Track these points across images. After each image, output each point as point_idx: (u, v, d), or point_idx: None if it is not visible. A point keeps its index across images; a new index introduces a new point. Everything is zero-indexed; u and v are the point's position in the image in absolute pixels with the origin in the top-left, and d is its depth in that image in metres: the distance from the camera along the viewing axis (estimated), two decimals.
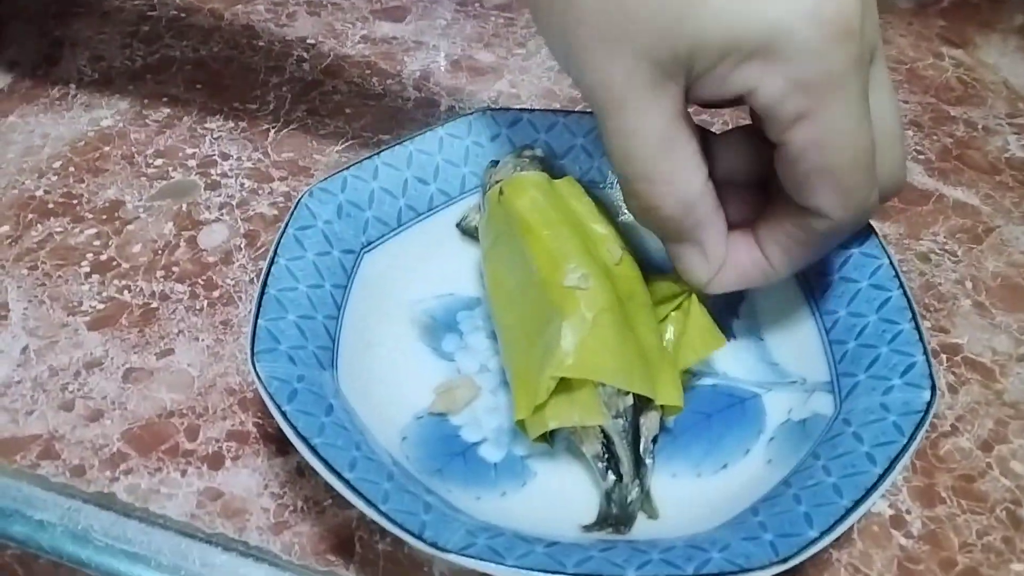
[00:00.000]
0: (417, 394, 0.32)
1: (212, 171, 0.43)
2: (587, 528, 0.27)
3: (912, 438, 0.26)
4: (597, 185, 0.37)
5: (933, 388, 0.27)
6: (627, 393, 0.28)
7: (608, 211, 0.33)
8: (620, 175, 0.28)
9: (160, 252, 0.39)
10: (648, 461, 0.28)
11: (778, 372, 0.32)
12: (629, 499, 0.27)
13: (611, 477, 0.28)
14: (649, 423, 0.29)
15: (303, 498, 0.31)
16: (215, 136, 0.45)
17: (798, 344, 0.32)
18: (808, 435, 0.29)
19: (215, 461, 0.32)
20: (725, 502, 0.28)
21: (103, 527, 0.30)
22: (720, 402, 0.32)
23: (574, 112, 0.38)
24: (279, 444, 0.32)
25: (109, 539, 0.30)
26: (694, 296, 0.31)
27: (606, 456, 0.28)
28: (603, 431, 0.28)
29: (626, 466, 0.28)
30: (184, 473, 0.31)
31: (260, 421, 0.33)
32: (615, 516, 0.27)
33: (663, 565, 0.24)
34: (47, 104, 0.46)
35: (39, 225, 0.40)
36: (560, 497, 0.29)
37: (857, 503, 0.25)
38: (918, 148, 0.45)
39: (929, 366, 0.28)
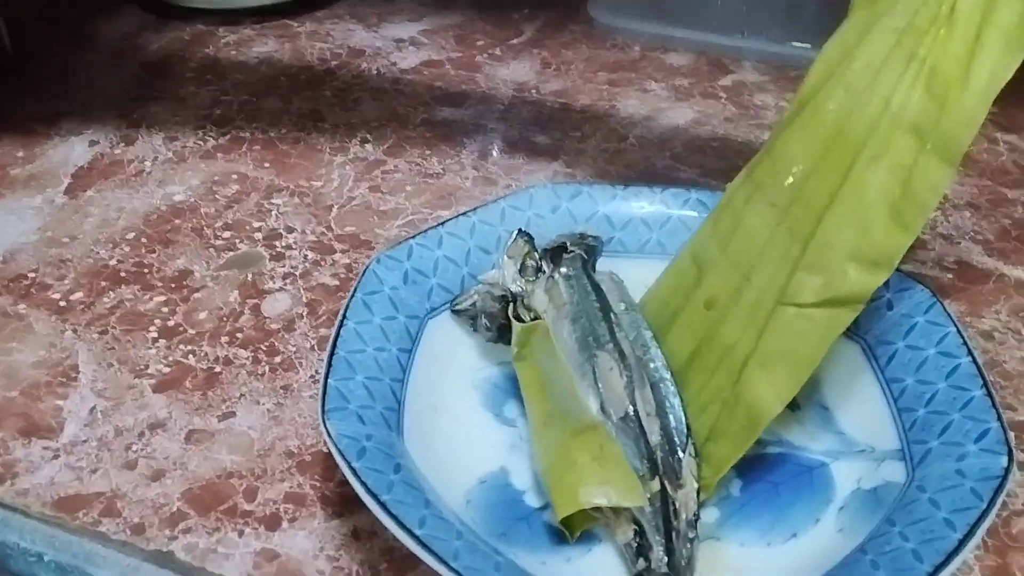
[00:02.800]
0: (481, 458, 0.32)
1: (277, 243, 0.44)
2: None
3: (991, 503, 0.25)
4: (655, 256, 0.37)
5: (1010, 454, 0.27)
6: (653, 478, 0.28)
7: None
8: None
9: (225, 319, 0.40)
10: (691, 535, 0.28)
11: (845, 441, 0.32)
12: None
13: (641, 563, 0.27)
14: (684, 501, 0.28)
15: (359, 562, 0.30)
16: (281, 211, 0.46)
17: (864, 412, 0.32)
18: (880, 503, 0.28)
19: (272, 522, 0.31)
20: (797, 572, 0.27)
21: None
22: (787, 471, 0.31)
23: (633, 185, 0.39)
24: (336, 507, 0.32)
25: None
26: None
27: (637, 543, 0.28)
28: (634, 518, 0.28)
29: (656, 552, 0.27)
30: (241, 534, 0.31)
31: (318, 483, 0.33)
32: None
33: None
34: (123, 180, 0.48)
35: (111, 292, 0.41)
36: (622, 564, 0.28)
37: (938, 567, 0.24)
38: (976, 229, 0.45)
39: (1004, 432, 0.27)
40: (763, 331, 0.29)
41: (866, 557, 0.26)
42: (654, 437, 0.29)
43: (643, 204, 0.38)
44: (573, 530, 0.29)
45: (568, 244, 0.35)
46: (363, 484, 0.26)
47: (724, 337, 0.30)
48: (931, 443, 0.29)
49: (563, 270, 0.34)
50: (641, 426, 0.29)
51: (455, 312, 0.35)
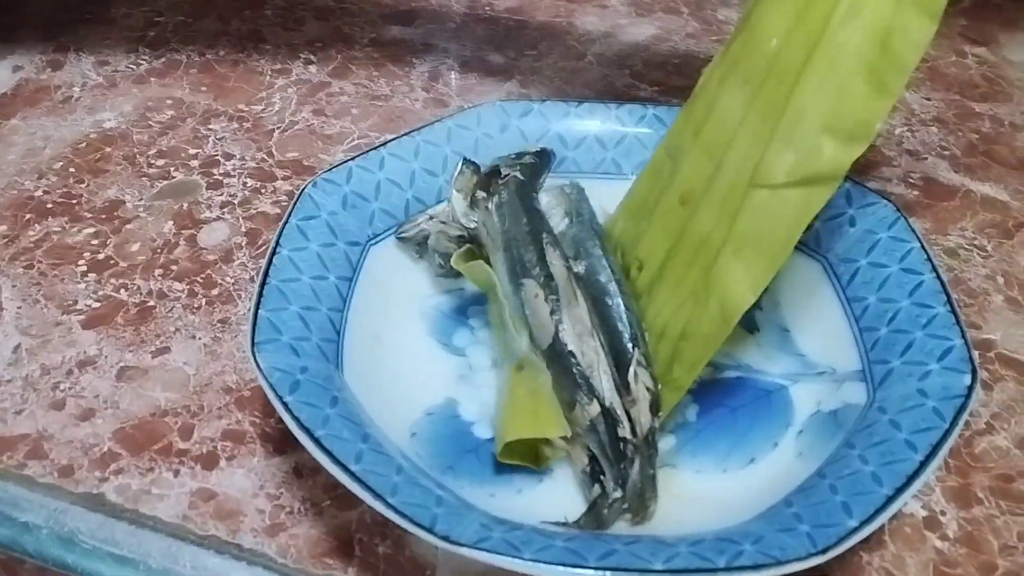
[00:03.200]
0: (428, 390, 0.30)
1: (215, 171, 0.42)
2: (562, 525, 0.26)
3: (954, 423, 0.24)
4: (610, 175, 0.35)
5: (974, 372, 0.26)
6: (591, 401, 0.27)
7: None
8: None
9: (159, 251, 0.38)
10: (649, 452, 0.27)
11: (805, 363, 0.31)
12: (606, 510, 0.26)
13: (595, 489, 0.26)
14: (637, 417, 0.27)
15: (300, 499, 0.29)
16: (219, 137, 0.44)
17: (825, 333, 0.31)
18: (840, 426, 0.27)
19: (209, 461, 0.30)
20: (754, 497, 0.26)
21: (90, 529, 0.28)
22: (745, 395, 0.30)
23: (587, 102, 0.37)
24: (276, 444, 0.31)
25: (96, 542, 0.28)
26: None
27: (590, 469, 0.27)
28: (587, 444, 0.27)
29: (608, 476, 0.26)
30: (177, 473, 0.30)
31: (257, 420, 0.31)
32: (591, 523, 0.26)
33: (692, 558, 0.22)
34: (50, 107, 0.45)
35: (36, 225, 0.39)
36: (576, 494, 0.27)
37: (899, 491, 0.23)
38: (943, 144, 0.44)
39: (968, 349, 0.26)
40: (735, 217, 0.27)
41: (824, 481, 0.25)
42: (589, 356, 0.27)
43: (597, 121, 0.36)
44: (538, 463, 0.28)
45: (502, 167, 0.33)
46: (295, 419, 0.24)
47: (698, 229, 0.28)
48: (893, 363, 0.28)
49: (495, 198, 0.32)
50: (569, 351, 0.28)
51: (401, 239, 0.34)
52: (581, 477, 0.27)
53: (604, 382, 0.27)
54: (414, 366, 0.31)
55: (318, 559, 0.27)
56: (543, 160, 0.34)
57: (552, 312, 0.28)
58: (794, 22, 0.27)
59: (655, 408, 0.27)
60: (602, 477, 0.27)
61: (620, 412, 0.27)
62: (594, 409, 0.26)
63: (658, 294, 0.30)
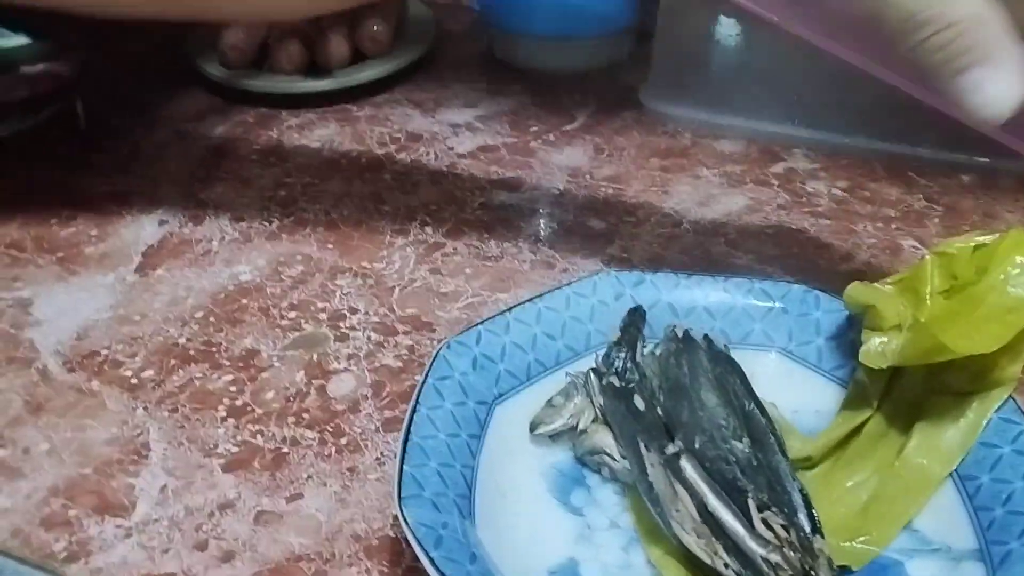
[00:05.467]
0: (549, 548, 0.32)
1: (341, 324, 0.45)
2: None
3: None
4: (720, 345, 0.37)
5: None
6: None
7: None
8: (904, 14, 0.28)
9: (291, 399, 0.40)
10: None
11: (919, 539, 0.31)
12: None
13: None
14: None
15: None
16: (344, 292, 0.47)
17: (939, 511, 0.31)
18: None
19: None
20: None
21: None
22: (862, 571, 0.31)
23: (696, 274, 0.39)
24: None
25: None
26: None
27: None
28: None
29: None
30: None
31: (386, 569, 0.33)
32: None
33: None
34: (192, 259, 0.50)
35: (180, 371, 0.42)
36: None
37: None
38: None
39: None
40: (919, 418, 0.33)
41: None
42: (705, 544, 0.29)
43: (706, 292, 0.39)
44: None
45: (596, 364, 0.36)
46: (442, 574, 0.26)
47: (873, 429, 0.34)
48: (1011, 544, 0.28)
49: (598, 399, 0.35)
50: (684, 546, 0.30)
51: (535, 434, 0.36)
52: None
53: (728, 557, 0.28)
54: (536, 523, 0.33)
55: None
56: (631, 339, 0.36)
57: (659, 514, 0.30)
58: None
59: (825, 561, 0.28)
60: None
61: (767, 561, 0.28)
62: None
63: (830, 476, 0.33)
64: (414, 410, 0.32)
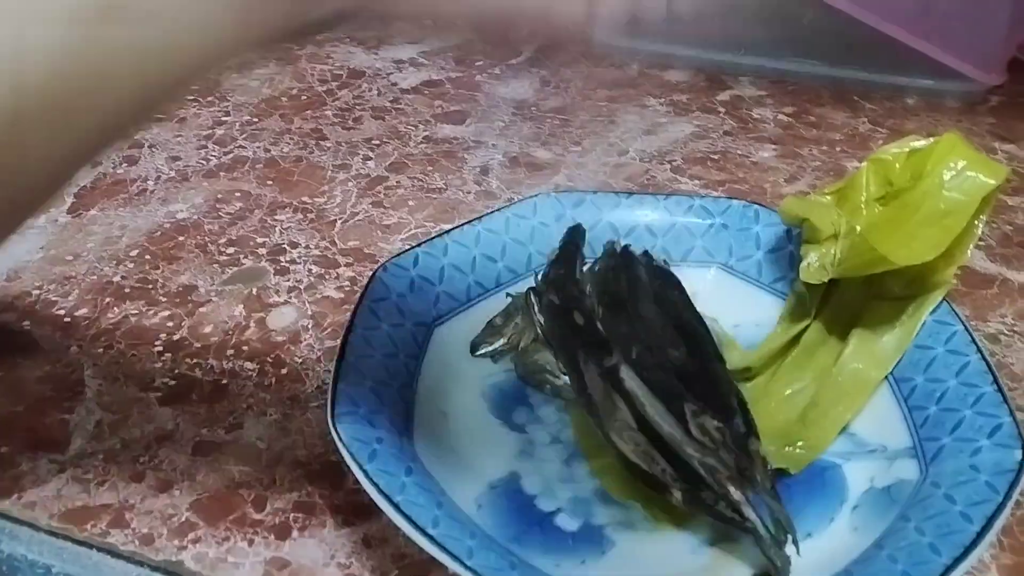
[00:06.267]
0: (491, 464, 0.31)
1: (281, 258, 0.44)
2: None
3: (1008, 496, 0.25)
4: (659, 261, 0.37)
5: None
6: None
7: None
8: None
9: (231, 332, 0.40)
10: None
11: (856, 441, 0.32)
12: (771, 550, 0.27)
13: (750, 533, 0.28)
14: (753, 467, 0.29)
15: (370, 569, 0.30)
16: (285, 227, 0.46)
17: (875, 413, 0.32)
18: (894, 501, 0.28)
19: (282, 531, 0.31)
20: (818, 567, 0.27)
21: None
22: (799, 474, 0.31)
23: (635, 193, 0.39)
24: (346, 515, 0.32)
25: None
26: None
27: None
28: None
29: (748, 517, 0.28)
30: (251, 543, 0.31)
31: (327, 493, 0.33)
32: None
33: None
34: (126, 199, 0.49)
35: (115, 308, 0.41)
36: (640, 565, 0.28)
37: (957, 560, 0.24)
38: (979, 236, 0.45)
39: (1017, 427, 0.27)
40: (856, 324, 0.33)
41: (883, 552, 0.26)
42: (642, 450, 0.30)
43: (647, 211, 0.38)
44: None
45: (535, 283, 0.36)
46: (375, 485, 0.26)
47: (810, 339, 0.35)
48: (943, 440, 0.29)
49: (539, 318, 0.34)
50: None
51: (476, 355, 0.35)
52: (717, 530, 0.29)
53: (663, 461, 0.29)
54: (477, 441, 0.32)
55: None
56: (570, 257, 0.36)
57: (598, 426, 0.30)
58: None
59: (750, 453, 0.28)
60: (744, 523, 0.27)
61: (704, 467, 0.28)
62: (677, 494, 0.28)
63: (769, 386, 0.34)
64: (349, 330, 0.32)
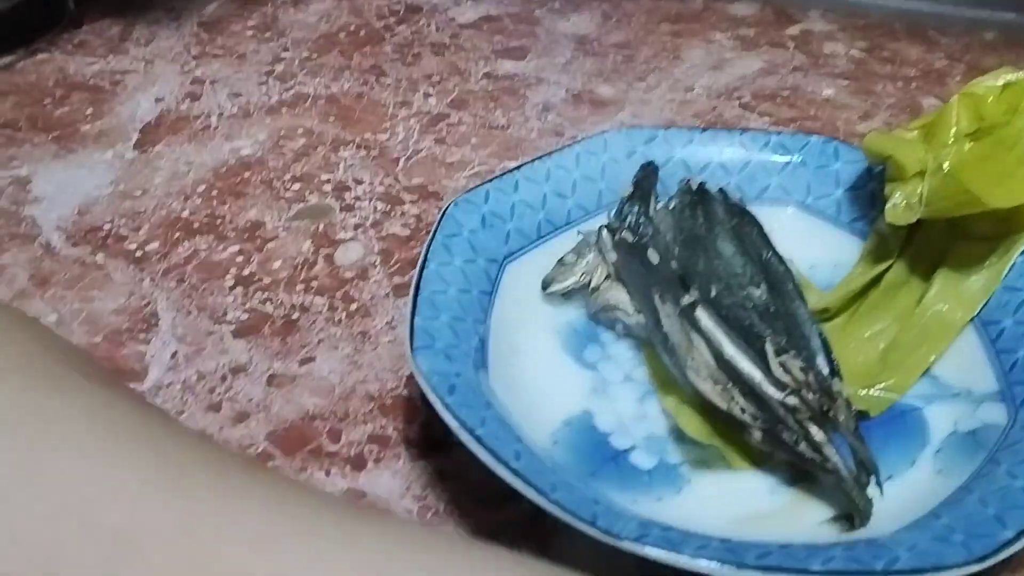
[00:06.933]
0: (564, 401, 0.31)
1: (346, 195, 0.44)
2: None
3: None
4: (735, 198, 0.36)
5: None
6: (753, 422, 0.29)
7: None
8: None
9: (299, 268, 0.40)
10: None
11: (938, 385, 0.31)
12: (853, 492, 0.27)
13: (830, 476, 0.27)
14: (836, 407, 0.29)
15: (445, 501, 0.30)
16: (348, 164, 0.46)
17: (959, 356, 0.31)
18: (980, 445, 0.28)
19: (357, 463, 0.32)
20: (895, 511, 0.26)
21: None
22: (879, 416, 0.30)
23: (709, 129, 0.38)
24: (420, 448, 0.32)
25: None
26: None
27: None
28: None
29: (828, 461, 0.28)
30: (328, 473, 0.31)
31: (400, 426, 0.33)
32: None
33: (849, 562, 0.22)
34: (191, 135, 0.49)
35: (185, 243, 0.41)
36: (717, 503, 0.28)
37: None
38: None
39: None
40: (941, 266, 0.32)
41: (972, 495, 0.25)
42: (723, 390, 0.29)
43: (721, 148, 0.37)
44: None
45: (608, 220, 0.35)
46: (457, 419, 0.26)
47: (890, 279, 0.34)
48: None
49: (611, 256, 0.34)
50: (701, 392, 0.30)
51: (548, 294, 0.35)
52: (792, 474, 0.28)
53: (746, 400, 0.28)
54: (550, 378, 0.32)
55: None
56: (644, 194, 0.35)
57: (675, 364, 0.30)
58: None
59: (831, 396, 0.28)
60: (826, 463, 0.27)
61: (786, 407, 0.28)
62: (757, 433, 0.27)
63: (848, 327, 0.33)
64: (423, 266, 0.32)
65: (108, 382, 0.19)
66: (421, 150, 0.47)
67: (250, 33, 0.58)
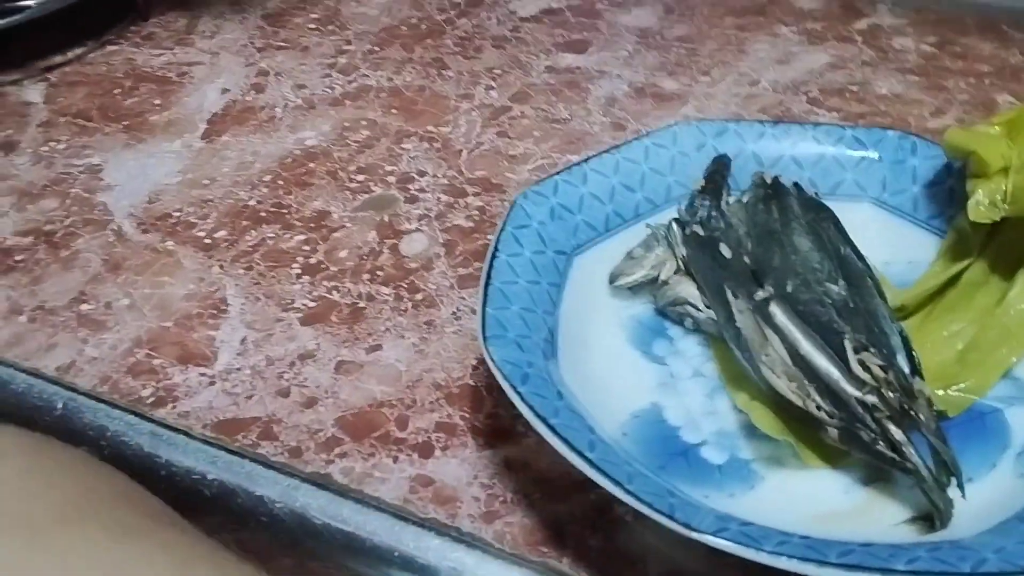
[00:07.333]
0: (633, 394, 0.31)
1: (410, 186, 0.44)
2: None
3: None
4: (810, 192, 0.36)
5: None
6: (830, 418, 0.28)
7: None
8: None
9: (365, 258, 0.40)
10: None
11: (1019, 387, 0.30)
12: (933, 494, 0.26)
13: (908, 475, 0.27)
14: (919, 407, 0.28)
15: (512, 490, 0.30)
16: (412, 155, 0.46)
17: None
18: None
19: (425, 450, 0.32)
20: (976, 513, 0.26)
21: (320, 506, 0.30)
22: (958, 417, 0.30)
23: (782, 122, 0.37)
24: (487, 437, 0.32)
25: (326, 518, 0.30)
26: None
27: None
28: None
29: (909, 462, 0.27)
30: (396, 459, 0.32)
31: (467, 415, 0.33)
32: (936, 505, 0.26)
33: (934, 562, 0.22)
34: (256, 125, 0.49)
35: (253, 231, 0.42)
36: (790, 501, 0.28)
37: None
38: None
39: None
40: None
41: None
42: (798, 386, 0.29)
43: (793, 142, 0.37)
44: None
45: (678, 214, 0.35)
46: (531, 408, 0.26)
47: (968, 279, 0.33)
48: None
49: (681, 250, 0.33)
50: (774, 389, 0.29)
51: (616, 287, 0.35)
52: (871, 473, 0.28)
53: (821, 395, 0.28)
54: (618, 372, 0.32)
55: (533, 547, 0.29)
56: (716, 187, 0.35)
57: (748, 360, 0.29)
58: None
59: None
60: (905, 463, 0.26)
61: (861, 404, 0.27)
62: (833, 432, 0.27)
63: (925, 326, 0.32)
64: (493, 256, 0.32)
65: (172, 522, 0.20)
66: (483, 143, 0.47)
67: (312, 26, 0.59)
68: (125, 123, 0.50)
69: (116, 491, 0.22)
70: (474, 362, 0.35)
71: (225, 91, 0.52)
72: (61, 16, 0.55)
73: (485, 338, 0.28)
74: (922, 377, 0.28)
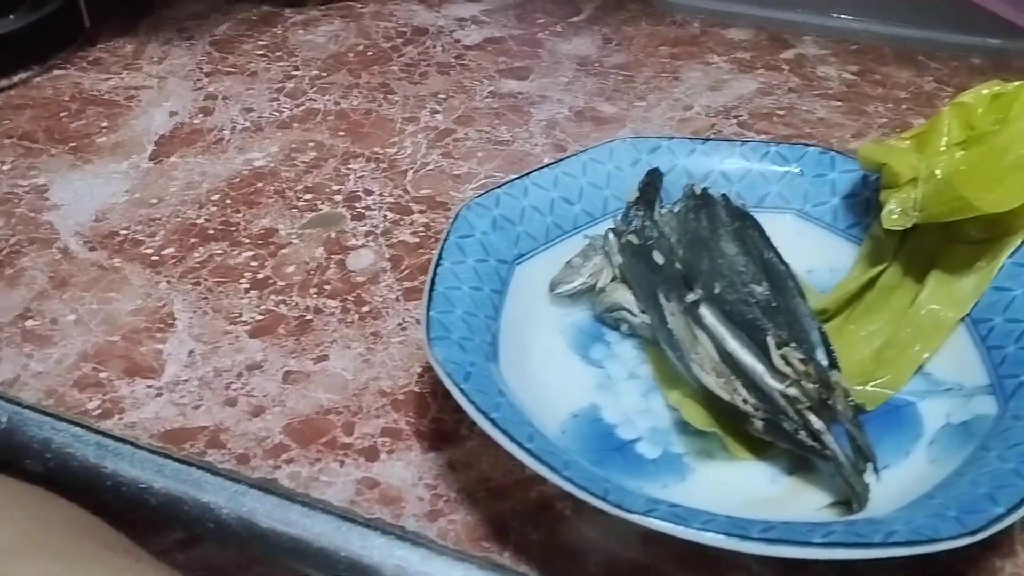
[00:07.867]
0: (571, 395, 0.32)
1: (357, 204, 0.45)
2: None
3: None
4: (737, 203, 0.38)
5: None
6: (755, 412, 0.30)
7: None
8: None
9: (312, 272, 0.41)
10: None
11: (931, 381, 0.32)
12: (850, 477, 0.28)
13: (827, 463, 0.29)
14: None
15: (456, 490, 0.31)
16: (358, 175, 0.47)
17: (952, 353, 0.32)
18: (972, 434, 0.29)
19: (371, 454, 0.33)
20: (895, 497, 0.27)
21: (267, 510, 0.31)
22: (875, 410, 0.32)
23: (711, 139, 0.39)
24: (431, 440, 0.33)
25: (273, 522, 0.31)
26: None
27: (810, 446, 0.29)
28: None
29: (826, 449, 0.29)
30: (342, 464, 0.32)
31: (412, 420, 0.34)
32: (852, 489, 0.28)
33: (848, 535, 0.23)
34: (204, 147, 0.50)
35: (200, 248, 0.43)
36: (720, 490, 0.29)
37: None
38: None
39: None
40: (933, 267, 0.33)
41: (964, 478, 0.26)
42: (726, 382, 0.31)
43: (723, 157, 0.39)
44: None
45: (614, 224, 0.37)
46: (473, 403, 0.27)
47: (884, 282, 0.35)
48: (1023, 376, 0.29)
49: (617, 258, 0.35)
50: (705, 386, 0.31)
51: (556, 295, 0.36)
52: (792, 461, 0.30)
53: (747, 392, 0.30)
54: (557, 375, 0.33)
55: (476, 543, 0.29)
56: (649, 198, 0.37)
57: (679, 359, 0.31)
58: None
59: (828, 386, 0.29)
60: (825, 451, 0.28)
61: (784, 399, 0.29)
62: (758, 423, 0.29)
63: (844, 327, 0.34)
64: (438, 263, 0.33)
65: (126, 550, 0.21)
66: (428, 163, 0.48)
67: (260, 52, 0.60)
68: (71, 145, 0.50)
69: (71, 522, 0.23)
70: (419, 370, 0.36)
71: (173, 114, 0.53)
72: (6, 40, 0.55)
73: (429, 339, 0.29)
74: (839, 370, 0.30)
